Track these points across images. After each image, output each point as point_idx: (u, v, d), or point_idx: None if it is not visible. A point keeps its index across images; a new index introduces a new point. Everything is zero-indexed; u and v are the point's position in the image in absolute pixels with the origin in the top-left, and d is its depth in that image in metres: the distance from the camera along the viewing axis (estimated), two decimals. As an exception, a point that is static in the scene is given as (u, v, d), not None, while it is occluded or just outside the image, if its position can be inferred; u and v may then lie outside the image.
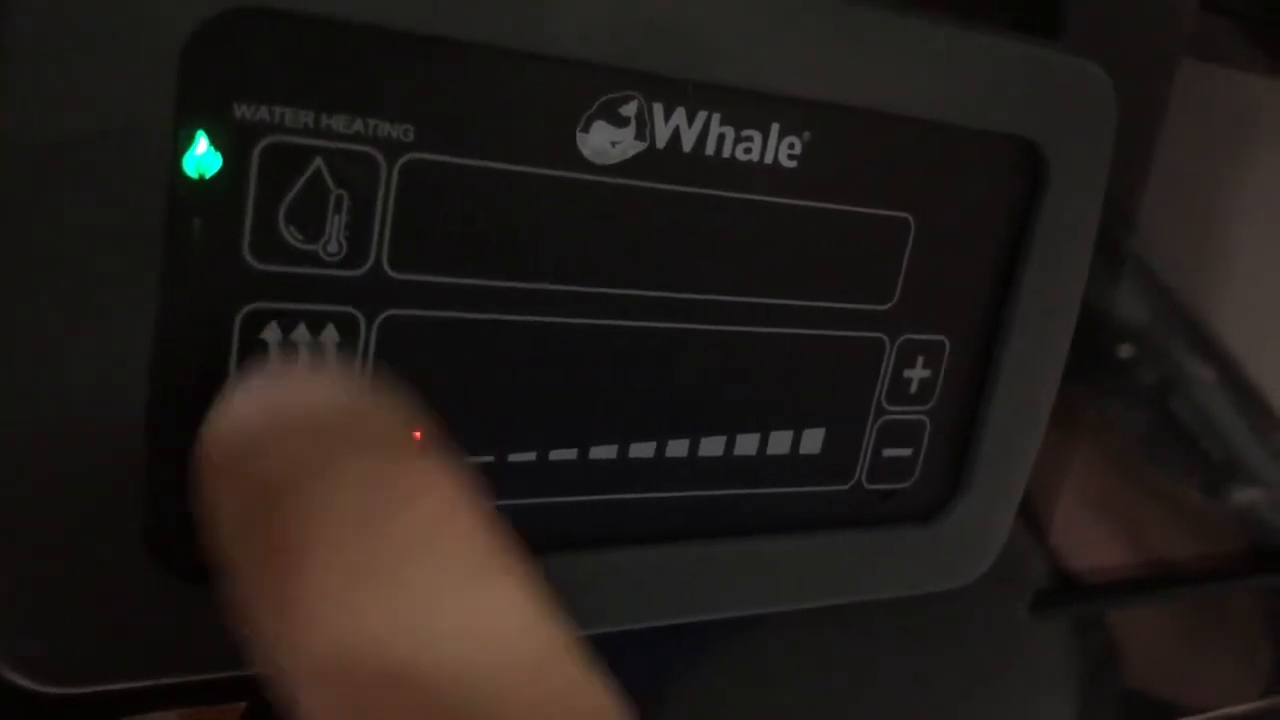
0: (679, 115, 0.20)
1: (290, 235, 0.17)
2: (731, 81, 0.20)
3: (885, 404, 0.24)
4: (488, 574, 0.15)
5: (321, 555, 0.14)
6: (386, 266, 0.18)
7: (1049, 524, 0.32)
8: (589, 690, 0.14)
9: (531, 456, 0.20)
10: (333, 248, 0.18)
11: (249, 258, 0.17)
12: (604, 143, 0.19)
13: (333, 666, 0.14)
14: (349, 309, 0.18)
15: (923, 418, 0.24)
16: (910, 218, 0.23)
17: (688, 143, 0.20)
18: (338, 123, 0.17)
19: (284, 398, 0.16)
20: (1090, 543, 0.35)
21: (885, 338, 0.23)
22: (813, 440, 0.23)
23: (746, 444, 0.22)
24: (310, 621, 0.14)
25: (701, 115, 0.20)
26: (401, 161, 0.18)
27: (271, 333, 0.18)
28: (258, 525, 0.15)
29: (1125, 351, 0.34)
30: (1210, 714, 0.40)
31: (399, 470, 0.15)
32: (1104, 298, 0.31)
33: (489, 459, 0.20)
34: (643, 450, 0.21)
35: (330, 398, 0.16)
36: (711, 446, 0.22)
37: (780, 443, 0.23)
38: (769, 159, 0.21)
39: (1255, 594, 0.41)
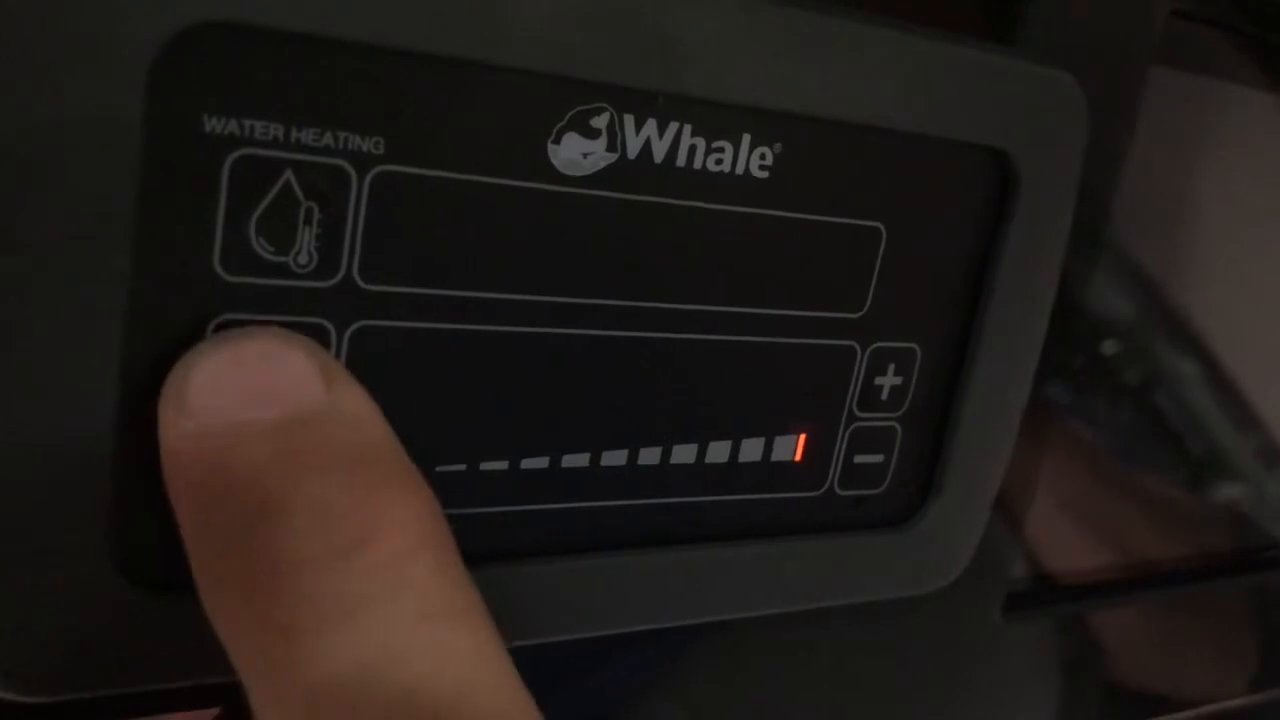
0: (650, 127, 0.20)
1: (261, 247, 0.17)
2: (702, 93, 0.20)
3: (857, 411, 0.24)
4: (449, 618, 0.15)
5: (288, 593, 0.14)
6: (357, 278, 0.18)
7: (1024, 526, 0.32)
8: None
9: (504, 465, 0.20)
10: (303, 259, 0.18)
11: (219, 269, 0.17)
12: (575, 154, 0.19)
13: (299, 699, 0.14)
14: (320, 320, 0.18)
15: (894, 424, 0.25)
16: (882, 227, 0.23)
17: (659, 154, 0.20)
18: (308, 136, 0.17)
19: (249, 382, 0.16)
20: (1067, 543, 0.35)
21: (857, 345, 0.23)
22: (785, 447, 0.23)
23: (719, 451, 0.22)
24: (275, 656, 0.14)
25: (673, 127, 0.20)
26: (372, 174, 0.18)
27: None
28: (228, 551, 0.15)
29: (1109, 348, 0.35)
30: (1193, 711, 0.41)
31: (360, 501, 0.15)
32: (1088, 295, 0.31)
33: (460, 468, 0.20)
34: (615, 458, 0.21)
35: (296, 394, 0.16)
36: (684, 454, 0.22)
37: (752, 450, 0.23)
38: (740, 170, 0.21)
39: (1238, 589, 0.41)
